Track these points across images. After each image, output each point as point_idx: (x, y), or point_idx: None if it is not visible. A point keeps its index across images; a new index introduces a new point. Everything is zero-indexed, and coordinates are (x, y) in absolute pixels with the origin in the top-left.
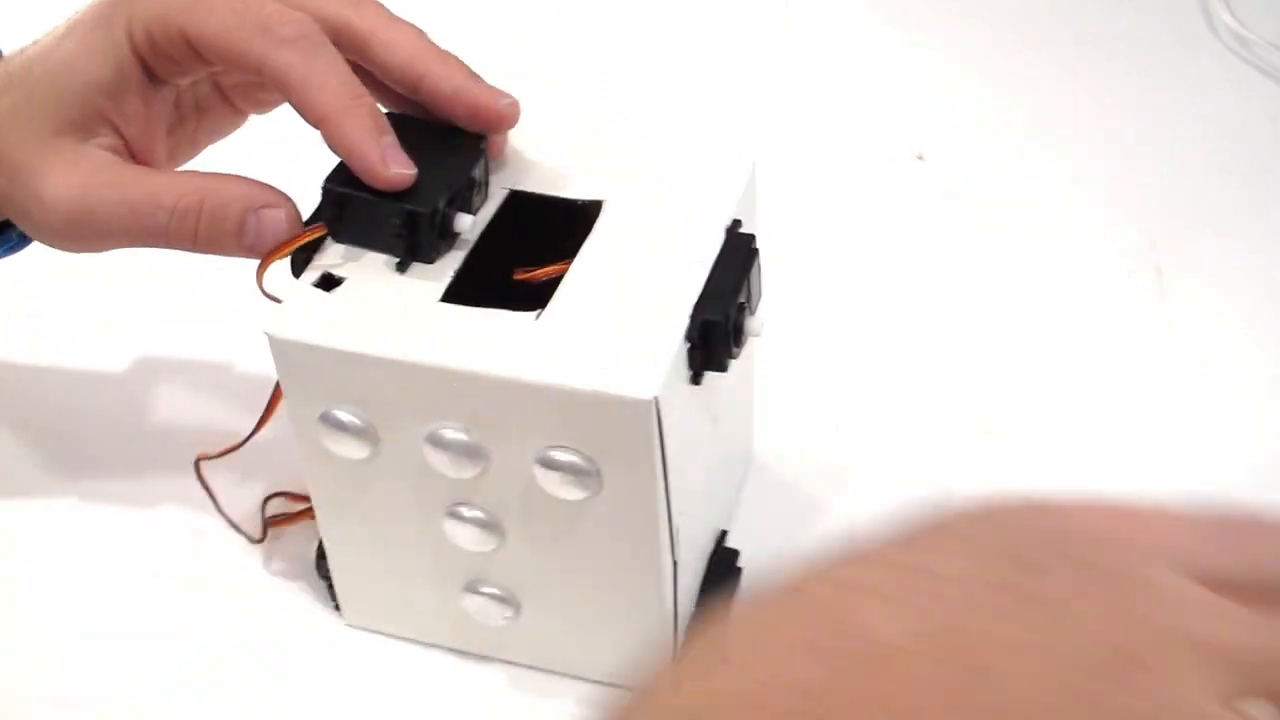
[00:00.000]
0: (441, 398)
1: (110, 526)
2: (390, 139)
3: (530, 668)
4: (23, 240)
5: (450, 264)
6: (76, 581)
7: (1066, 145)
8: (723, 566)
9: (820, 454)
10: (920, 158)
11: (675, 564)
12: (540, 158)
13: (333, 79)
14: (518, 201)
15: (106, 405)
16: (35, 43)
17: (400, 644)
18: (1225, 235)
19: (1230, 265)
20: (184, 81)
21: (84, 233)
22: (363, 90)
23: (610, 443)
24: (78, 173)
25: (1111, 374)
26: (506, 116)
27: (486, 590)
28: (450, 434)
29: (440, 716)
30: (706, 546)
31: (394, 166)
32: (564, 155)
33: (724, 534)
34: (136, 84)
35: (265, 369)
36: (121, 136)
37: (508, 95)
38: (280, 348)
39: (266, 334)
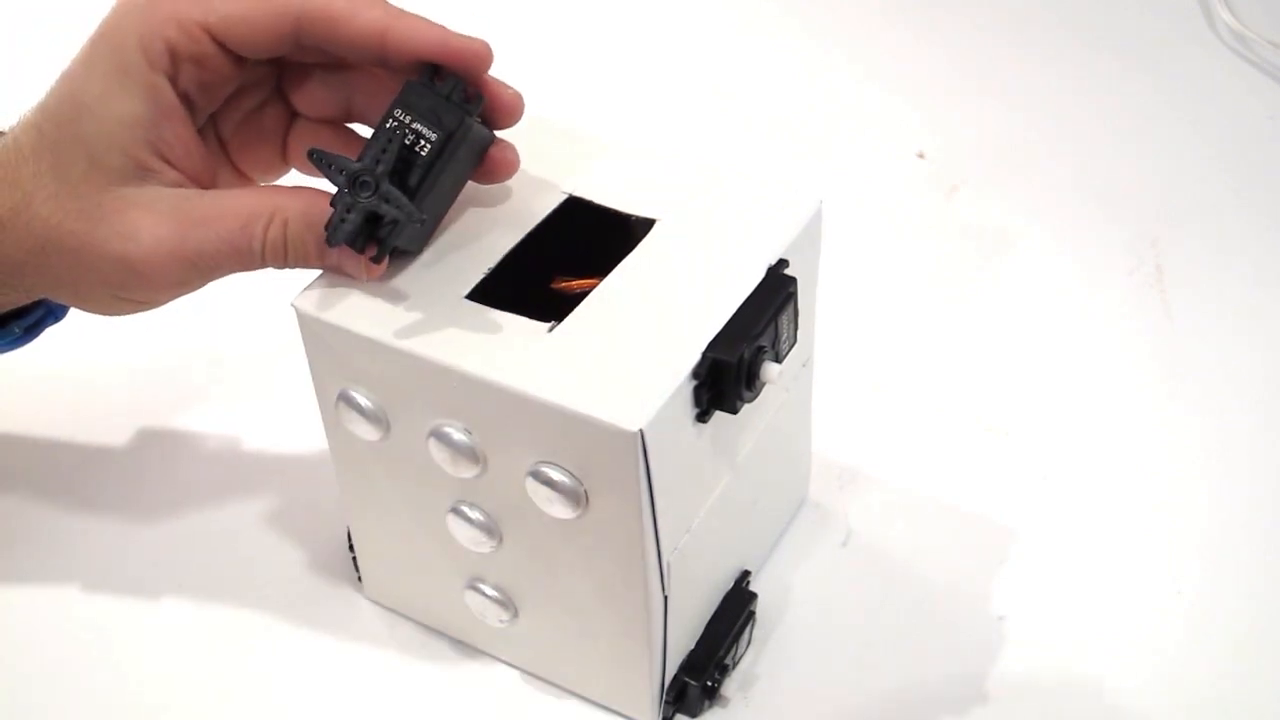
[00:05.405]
0: (444, 396)
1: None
2: None
3: (527, 672)
4: (27, 335)
5: (485, 260)
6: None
7: (1066, 144)
8: (736, 607)
9: (824, 451)
10: (920, 156)
11: (666, 599)
12: (613, 171)
13: None
14: (575, 207)
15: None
16: (53, 92)
17: (413, 626)
18: (1225, 234)
19: (1230, 264)
20: (209, 100)
21: (191, 275)
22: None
23: (597, 468)
24: (163, 216)
25: (1112, 371)
26: (484, 56)
27: (486, 590)
28: (453, 432)
29: (437, 702)
30: (722, 585)
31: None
32: (637, 172)
33: (746, 574)
34: (174, 108)
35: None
36: (178, 168)
37: (478, 39)
38: (304, 322)
39: (293, 306)
